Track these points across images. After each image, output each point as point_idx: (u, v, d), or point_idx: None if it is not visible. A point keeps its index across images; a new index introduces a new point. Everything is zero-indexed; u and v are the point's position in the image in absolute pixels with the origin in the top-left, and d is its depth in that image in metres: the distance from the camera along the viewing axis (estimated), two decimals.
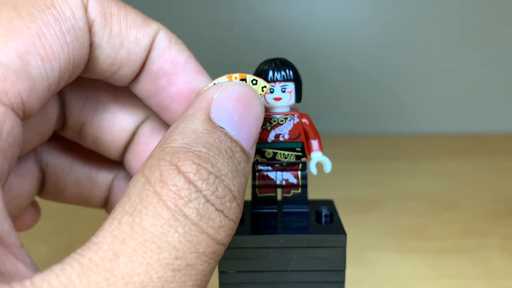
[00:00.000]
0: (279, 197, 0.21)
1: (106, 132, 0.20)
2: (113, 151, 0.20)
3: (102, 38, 0.16)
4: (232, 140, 0.15)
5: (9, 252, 0.12)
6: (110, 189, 0.22)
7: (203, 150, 0.14)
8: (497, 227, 0.39)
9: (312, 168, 0.20)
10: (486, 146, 0.61)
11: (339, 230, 0.19)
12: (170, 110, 0.18)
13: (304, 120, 0.20)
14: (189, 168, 0.13)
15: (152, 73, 0.18)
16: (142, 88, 0.18)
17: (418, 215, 0.42)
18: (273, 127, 0.20)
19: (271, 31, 0.65)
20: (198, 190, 0.13)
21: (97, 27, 0.16)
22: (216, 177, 0.14)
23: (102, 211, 0.43)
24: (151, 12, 0.68)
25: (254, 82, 0.18)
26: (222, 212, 0.14)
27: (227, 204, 0.14)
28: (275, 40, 0.65)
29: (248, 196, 0.21)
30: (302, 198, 0.21)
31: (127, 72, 0.17)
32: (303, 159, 0.20)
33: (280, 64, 0.19)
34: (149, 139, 0.20)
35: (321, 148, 0.20)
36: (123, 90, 0.20)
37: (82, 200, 0.22)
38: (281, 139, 0.20)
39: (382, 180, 0.50)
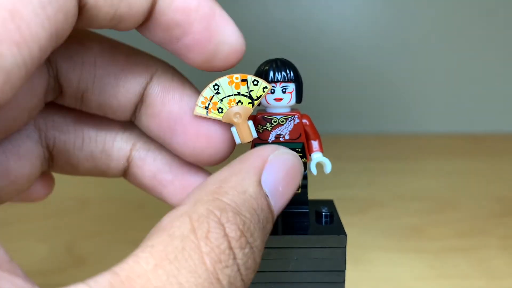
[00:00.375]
0: None
1: (111, 97, 0.18)
2: (122, 114, 0.19)
3: None
4: (270, 210, 0.16)
5: (1, 270, 0.12)
6: (128, 160, 0.20)
7: (247, 215, 0.15)
8: (497, 227, 0.39)
9: (313, 168, 0.20)
10: (486, 146, 0.61)
11: (340, 230, 0.19)
12: (188, 58, 0.17)
13: (304, 120, 0.20)
14: (233, 233, 0.14)
15: (162, 24, 0.16)
16: (153, 36, 0.17)
17: (418, 215, 0.42)
18: (273, 128, 0.20)
19: (271, 32, 0.65)
20: (235, 258, 0.14)
21: None
22: (251, 247, 0.14)
23: (102, 211, 0.43)
24: None
25: (255, 82, 0.18)
26: (244, 281, 0.14)
27: (250, 275, 0.14)
28: (276, 41, 0.65)
29: None
30: (302, 199, 0.21)
31: (129, 24, 0.16)
32: (303, 160, 0.20)
33: (281, 64, 0.19)
34: (163, 99, 0.19)
35: (321, 148, 0.20)
36: (121, 50, 0.19)
37: (99, 173, 0.21)
38: (281, 139, 0.20)
39: (382, 180, 0.50)
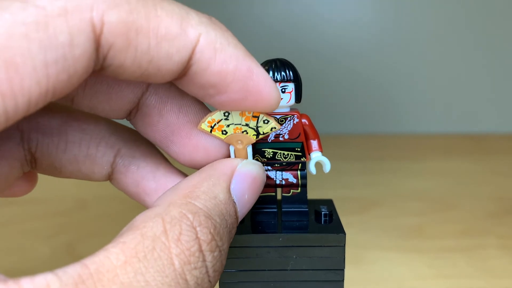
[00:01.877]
0: (278, 196, 0.21)
1: (103, 102, 0.18)
2: (114, 117, 0.19)
3: (125, 59, 0.14)
4: (236, 216, 0.16)
5: None
6: (112, 166, 0.20)
7: (218, 220, 0.15)
8: (496, 227, 0.39)
9: (312, 168, 0.20)
10: (486, 146, 0.62)
11: (339, 229, 0.19)
12: (222, 109, 0.17)
13: (304, 120, 0.20)
14: (204, 236, 0.14)
15: (197, 84, 0.16)
16: (186, 90, 0.16)
17: (417, 215, 0.42)
18: None
19: (271, 32, 0.65)
20: (204, 260, 0.14)
21: (117, 50, 0.14)
22: (220, 251, 0.15)
23: (102, 211, 0.43)
24: None
25: (266, 121, 0.18)
26: (211, 283, 0.15)
27: (217, 277, 0.15)
28: (275, 41, 0.65)
29: None
30: (301, 198, 0.21)
31: (159, 81, 0.15)
32: (302, 159, 0.20)
33: (280, 64, 0.19)
34: (161, 110, 0.18)
35: (320, 148, 0.20)
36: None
37: (83, 176, 0.20)
38: (281, 139, 0.20)
39: (381, 180, 0.50)
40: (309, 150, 0.20)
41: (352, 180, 0.50)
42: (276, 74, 0.19)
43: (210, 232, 0.14)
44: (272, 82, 0.16)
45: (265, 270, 0.19)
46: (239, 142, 0.19)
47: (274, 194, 0.21)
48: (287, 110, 0.20)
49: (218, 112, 0.18)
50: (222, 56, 0.15)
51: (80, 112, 0.19)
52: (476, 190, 0.47)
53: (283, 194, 0.21)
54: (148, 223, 0.14)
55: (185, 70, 0.15)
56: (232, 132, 0.19)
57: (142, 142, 0.20)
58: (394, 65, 0.65)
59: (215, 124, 0.18)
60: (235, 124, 0.18)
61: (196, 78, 0.15)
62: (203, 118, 0.18)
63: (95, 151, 0.19)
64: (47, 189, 0.46)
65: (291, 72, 0.19)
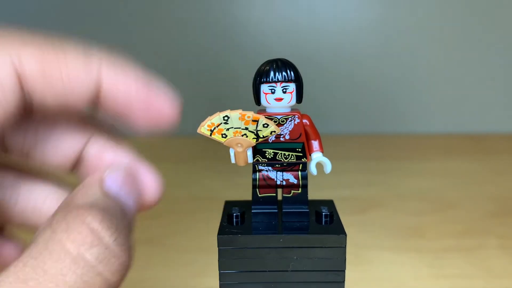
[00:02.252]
0: (279, 197, 0.21)
1: (52, 156, 0.20)
2: (63, 169, 0.21)
3: (45, 96, 0.16)
4: (121, 207, 0.17)
5: None
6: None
7: (103, 210, 0.16)
8: (496, 227, 0.39)
9: (312, 168, 0.20)
10: (486, 146, 0.62)
11: (339, 230, 0.19)
12: (133, 125, 0.19)
13: (305, 120, 0.20)
14: (93, 222, 0.15)
15: (108, 110, 0.18)
16: (104, 113, 0.18)
17: (417, 215, 0.42)
18: None
19: (272, 32, 0.65)
20: (100, 237, 0.15)
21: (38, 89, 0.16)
22: (116, 229, 0.15)
23: None
24: (148, 12, 0.67)
25: (265, 125, 0.18)
26: (119, 258, 0.15)
27: (124, 250, 0.15)
28: (276, 41, 0.65)
29: (249, 196, 0.21)
30: (302, 198, 0.21)
31: (76, 108, 0.17)
32: (303, 160, 0.20)
33: (282, 65, 0.19)
34: (101, 156, 0.20)
35: (321, 148, 0.20)
36: (61, 117, 0.20)
37: (29, 228, 0.22)
38: (282, 139, 0.20)
39: (382, 180, 0.50)
40: (310, 150, 0.20)
41: (352, 180, 0.50)
42: (277, 74, 0.19)
43: (97, 218, 0.15)
44: (170, 98, 0.17)
45: (266, 271, 0.19)
46: (239, 145, 0.19)
47: (274, 194, 0.21)
48: (288, 110, 0.20)
49: (217, 116, 0.18)
50: (121, 79, 0.17)
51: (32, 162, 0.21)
52: (476, 190, 0.47)
53: (283, 194, 0.21)
54: (37, 236, 0.15)
55: (97, 97, 0.17)
56: (232, 136, 0.19)
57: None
58: (394, 66, 0.65)
59: (214, 128, 0.19)
60: (234, 128, 0.18)
61: (107, 102, 0.17)
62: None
63: (41, 204, 0.21)
64: None
65: (292, 72, 0.19)
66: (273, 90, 0.19)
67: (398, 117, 0.67)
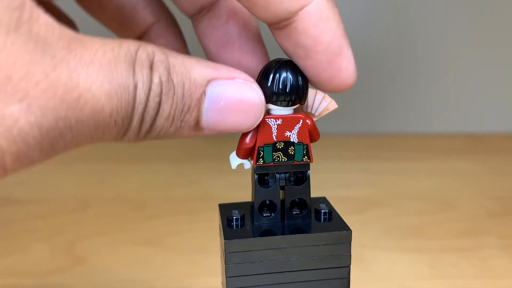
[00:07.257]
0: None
1: None
2: (187, 8, 0.20)
3: None
4: (198, 103, 0.16)
5: None
6: (147, 30, 0.21)
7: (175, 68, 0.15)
8: (496, 227, 0.39)
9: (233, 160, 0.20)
10: (486, 146, 0.62)
11: (344, 226, 0.19)
12: (304, 69, 0.18)
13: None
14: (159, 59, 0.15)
15: (291, 40, 0.17)
16: (280, 42, 0.18)
17: (417, 215, 0.42)
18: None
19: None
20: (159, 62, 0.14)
21: None
22: (164, 80, 0.15)
23: (102, 211, 0.43)
24: None
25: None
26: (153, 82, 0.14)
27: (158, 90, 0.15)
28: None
29: (249, 197, 0.21)
30: (305, 198, 0.21)
31: (260, 15, 0.17)
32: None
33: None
34: (228, 18, 0.20)
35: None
36: None
37: (117, 27, 0.21)
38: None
39: (382, 180, 0.50)
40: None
41: (352, 180, 0.50)
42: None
43: (164, 66, 0.14)
44: (354, 68, 0.17)
45: (270, 273, 0.19)
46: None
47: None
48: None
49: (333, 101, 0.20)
50: (323, 26, 0.16)
51: None
52: (476, 190, 0.47)
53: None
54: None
55: (286, 23, 0.16)
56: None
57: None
58: (394, 65, 0.65)
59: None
60: None
61: (292, 35, 0.17)
62: (250, 46, 0.19)
63: (141, 9, 0.21)
64: (47, 189, 0.46)
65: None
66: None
67: (398, 117, 0.67)
